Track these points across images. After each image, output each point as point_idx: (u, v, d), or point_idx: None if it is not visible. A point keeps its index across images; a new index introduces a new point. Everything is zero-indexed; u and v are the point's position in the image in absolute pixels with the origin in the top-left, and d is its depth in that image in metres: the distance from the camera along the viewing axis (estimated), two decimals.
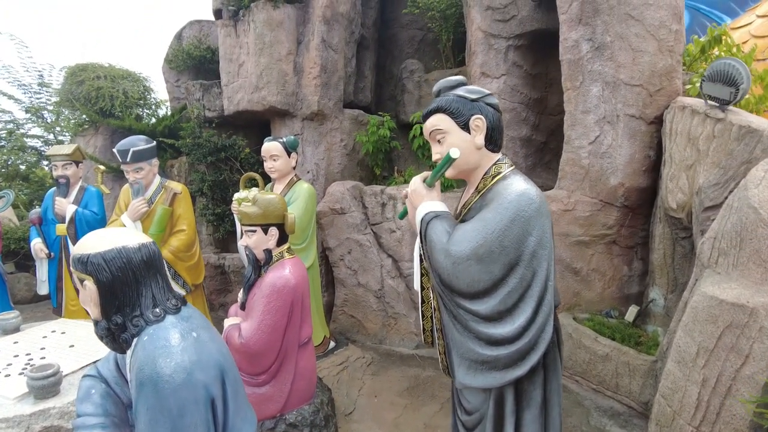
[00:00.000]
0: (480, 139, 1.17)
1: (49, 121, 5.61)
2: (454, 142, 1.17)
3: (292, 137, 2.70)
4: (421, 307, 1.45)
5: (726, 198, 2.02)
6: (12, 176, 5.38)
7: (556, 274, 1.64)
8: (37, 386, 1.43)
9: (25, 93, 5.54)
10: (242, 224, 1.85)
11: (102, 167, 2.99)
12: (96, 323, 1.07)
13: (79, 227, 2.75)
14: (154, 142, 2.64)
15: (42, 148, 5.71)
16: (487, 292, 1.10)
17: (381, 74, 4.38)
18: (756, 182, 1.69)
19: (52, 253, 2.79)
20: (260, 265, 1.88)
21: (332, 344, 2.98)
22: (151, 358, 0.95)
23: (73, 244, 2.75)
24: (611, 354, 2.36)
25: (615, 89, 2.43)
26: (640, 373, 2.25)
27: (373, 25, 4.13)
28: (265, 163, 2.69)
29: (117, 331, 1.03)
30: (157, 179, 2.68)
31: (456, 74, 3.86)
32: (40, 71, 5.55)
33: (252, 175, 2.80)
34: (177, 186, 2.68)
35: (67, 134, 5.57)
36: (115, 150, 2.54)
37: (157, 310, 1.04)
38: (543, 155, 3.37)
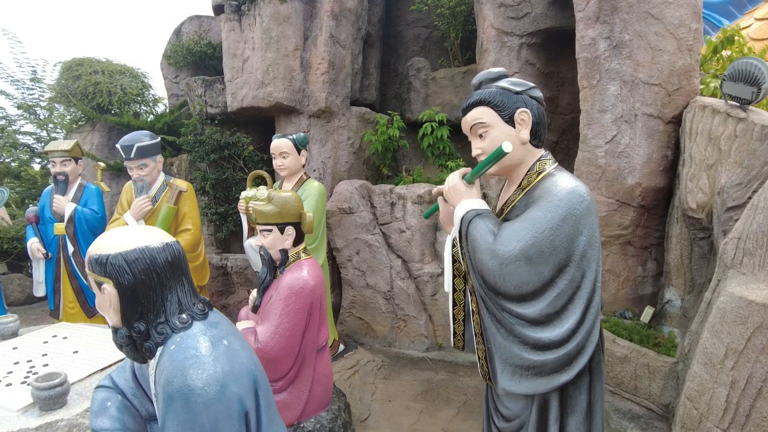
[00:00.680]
0: (525, 133, 1.11)
1: (41, 117, 5.43)
2: (498, 136, 1.11)
3: (302, 134, 2.62)
4: (453, 310, 1.38)
5: (749, 198, 1.99)
6: (3, 174, 5.21)
7: None
8: (42, 397, 1.33)
9: (17, 89, 5.36)
10: (257, 223, 1.77)
11: (102, 164, 2.88)
12: (115, 331, 0.98)
13: (78, 226, 2.63)
14: (159, 138, 2.54)
15: (34, 146, 5.54)
16: (535, 295, 1.04)
17: (386, 72, 4.32)
18: None
19: (49, 254, 2.67)
20: (276, 265, 1.80)
21: (341, 347, 2.91)
22: (181, 370, 0.86)
23: (72, 243, 2.64)
24: (630, 356, 2.32)
25: (633, 88, 2.40)
26: (660, 375, 2.21)
27: (379, 22, 4.07)
28: (274, 161, 2.61)
29: (139, 339, 0.95)
30: (162, 176, 2.58)
31: (464, 72, 3.83)
32: (33, 67, 5.38)
33: (260, 173, 2.71)
34: (182, 183, 2.59)
35: (60, 131, 5.41)
36: (118, 145, 2.44)
37: (184, 316, 0.96)
38: (554, 155, 3.31)
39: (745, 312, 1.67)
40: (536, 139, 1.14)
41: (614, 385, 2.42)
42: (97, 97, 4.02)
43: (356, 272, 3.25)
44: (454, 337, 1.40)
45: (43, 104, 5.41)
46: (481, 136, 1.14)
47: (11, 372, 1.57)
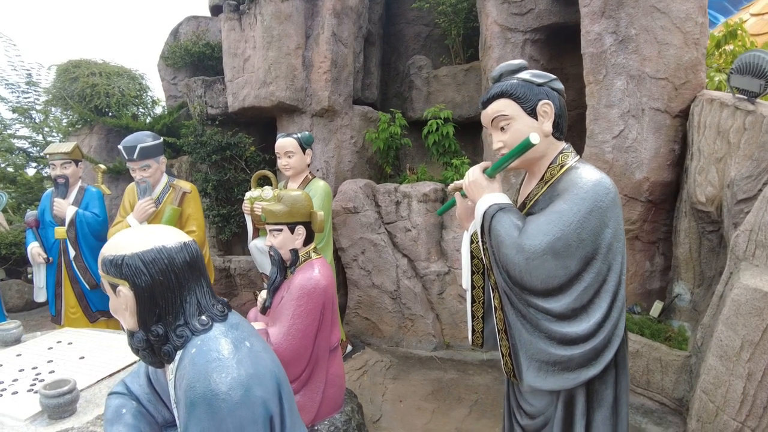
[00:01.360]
0: (548, 125, 1.09)
1: (37, 121, 5.36)
2: (521, 129, 1.08)
3: (307, 133, 2.59)
4: (471, 307, 1.36)
5: (760, 190, 1.99)
6: None
7: None
8: (51, 405, 1.29)
9: (12, 92, 5.29)
10: (267, 223, 1.74)
11: (102, 166, 2.83)
12: (131, 334, 0.94)
13: (79, 230, 2.59)
14: (162, 139, 2.50)
15: (29, 150, 5.46)
16: (561, 289, 1.02)
17: (386, 71, 4.29)
18: None
19: (50, 258, 2.62)
20: (286, 266, 1.77)
21: (349, 348, 2.88)
22: (204, 374, 0.83)
23: (74, 247, 2.59)
24: (642, 350, 2.31)
25: (640, 83, 2.39)
26: (672, 369, 2.20)
27: (379, 21, 4.05)
28: (279, 160, 2.57)
29: (157, 343, 0.91)
30: (165, 178, 2.54)
31: (466, 70, 3.81)
32: (28, 70, 5.30)
33: (264, 173, 2.68)
34: (186, 185, 2.55)
35: (56, 135, 5.33)
36: (120, 146, 2.39)
37: (204, 317, 0.92)
38: None
39: (761, 303, 1.66)
40: (558, 131, 1.12)
41: None
42: (94, 99, 3.97)
43: (362, 272, 3.22)
44: (472, 335, 1.37)
45: (38, 107, 5.33)
46: (502, 129, 1.12)
47: (16, 380, 1.53)
